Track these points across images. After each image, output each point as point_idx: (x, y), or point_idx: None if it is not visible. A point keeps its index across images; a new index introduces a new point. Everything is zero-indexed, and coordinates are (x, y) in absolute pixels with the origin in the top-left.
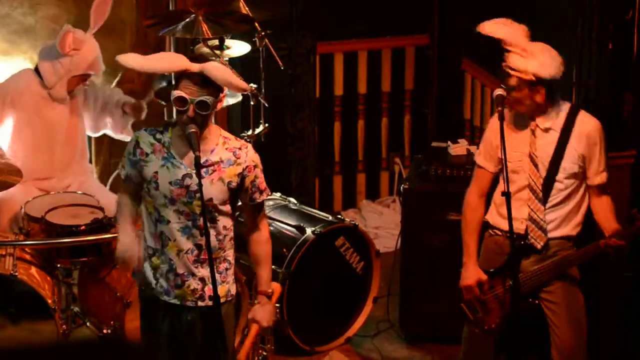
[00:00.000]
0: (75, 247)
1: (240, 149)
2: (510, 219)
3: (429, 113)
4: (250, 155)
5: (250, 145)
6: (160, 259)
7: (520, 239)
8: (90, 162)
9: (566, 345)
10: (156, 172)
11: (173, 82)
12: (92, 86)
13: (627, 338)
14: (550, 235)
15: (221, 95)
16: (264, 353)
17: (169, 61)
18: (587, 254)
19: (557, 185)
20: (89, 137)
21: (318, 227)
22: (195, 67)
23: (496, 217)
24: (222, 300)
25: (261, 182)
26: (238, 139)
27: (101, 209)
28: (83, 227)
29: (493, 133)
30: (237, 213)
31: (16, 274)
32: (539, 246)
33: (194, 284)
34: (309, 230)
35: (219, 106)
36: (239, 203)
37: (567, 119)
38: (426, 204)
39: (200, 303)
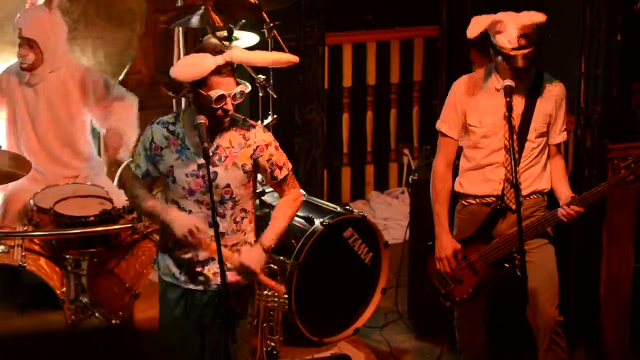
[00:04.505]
0: (84, 238)
1: (249, 130)
2: (518, 207)
3: (438, 104)
4: (259, 136)
5: (259, 125)
6: (182, 249)
7: (497, 202)
8: (99, 155)
9: (539, 304)
10: (172, 166)
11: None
12: (91, 74)
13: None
14: (524, 192)
15: None
16: (272, 344)
17: (202, 65)
18: (553, 218)
19: (529, 144)
20: (97, 132)
21: (326, 218)
22: (220, 59)
23: (468, 185)
24: (246, 282)
25: (278, 158)
26: (247, 119)
27: (110, 200)
28: (92, 218)
29: (458, 98)
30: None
31: (25, 264)
32: (514, 206)
33: (214, 267)
34: (317, 222)
35: None
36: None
37: (533, 80)
38: None
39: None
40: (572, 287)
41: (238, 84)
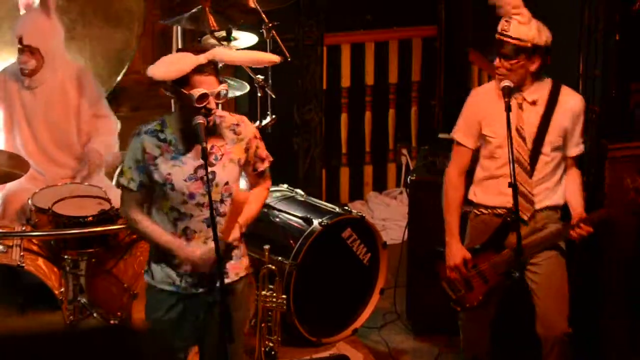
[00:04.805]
0: (83, 238)
1: (238, 124)
2: (517, 207)
3: (436, 104)
4: (249, 128)
5: (245, 118)
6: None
7: (508, 213)
8: None
9: (548, 316)
10: (169, 174)
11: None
12: (87, 77)
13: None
14: (537, 206)
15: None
16: (271, 344)
17: (181, 64)
18: (561, 235)
19: (543, 158)
20: None
21: (325, 218)
22: (202, 58)
23: (481, 195)
24: (244, 273)
25: (262, 150)
26: (232, 114)
27: (108, 200)
28: (90, 218)
29: (474, 108)
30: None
31: (23, 265)
32: (525, 217)
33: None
34: (316, 222)
35: None
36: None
37: (551, 93)
38: (433, 195)
39: (226, 280)
40: (574, 290)
41: (221, 82)
